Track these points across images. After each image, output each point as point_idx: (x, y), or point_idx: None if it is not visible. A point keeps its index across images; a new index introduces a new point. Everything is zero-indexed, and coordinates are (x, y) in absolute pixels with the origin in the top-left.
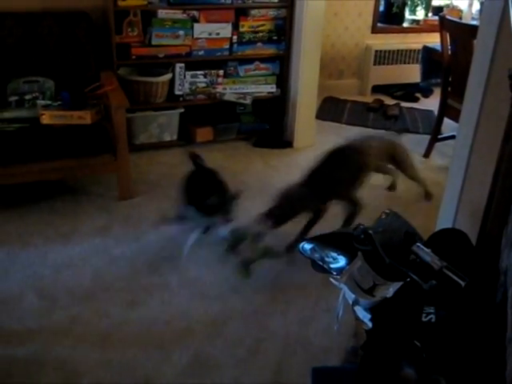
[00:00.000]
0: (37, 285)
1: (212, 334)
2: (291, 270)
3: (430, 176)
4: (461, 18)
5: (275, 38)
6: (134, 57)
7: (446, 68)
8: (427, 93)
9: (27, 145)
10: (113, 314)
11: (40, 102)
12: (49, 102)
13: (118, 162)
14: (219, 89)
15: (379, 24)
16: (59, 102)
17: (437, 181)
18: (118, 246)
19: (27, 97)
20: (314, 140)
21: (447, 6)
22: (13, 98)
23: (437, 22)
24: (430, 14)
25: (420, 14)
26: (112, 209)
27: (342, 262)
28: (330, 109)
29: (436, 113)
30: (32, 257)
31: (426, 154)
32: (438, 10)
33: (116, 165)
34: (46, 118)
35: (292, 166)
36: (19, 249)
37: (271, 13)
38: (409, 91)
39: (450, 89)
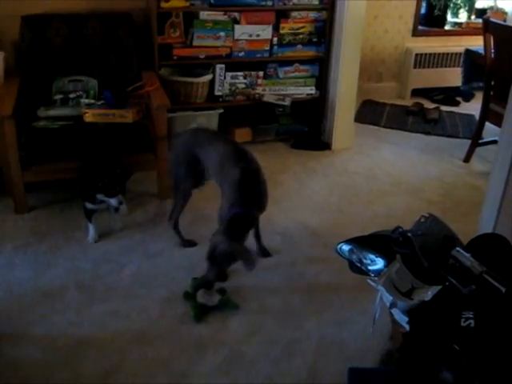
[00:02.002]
0: (78, 278)
1: (247, 332)
2: (328, 271)
3: (469, 181)
4: (505, 21)
5: (315, 40)
6: (175, 57)
7: (489, 71)
8: (468, 97)
9: (70, 142)
10: (150, 310)
11: (83, 101)
12: (92, 101)
13: (157, 160)
14: (259, 90)
15: (420, 27)
16: (102, 101)
17: (476, 185)
18: (157, 244)
19: (71, 95)
20: (352, 143)
21: (491, 8)
22: (58, 97)
23: (480, 25)
24: (472, 17)
25: (462, 16)
26: (150, 206)
27: (380, 264)
28: (369, 112)
29: (477, 117)
30: (73, 251)
31: (466, 159)
32: (481, 13)
33: (156, 163)
34: (89, 117)
35: (329, 168)
36: (61, 243)
37: (312, 15)
38: (449, 95)
39: (492, 93)
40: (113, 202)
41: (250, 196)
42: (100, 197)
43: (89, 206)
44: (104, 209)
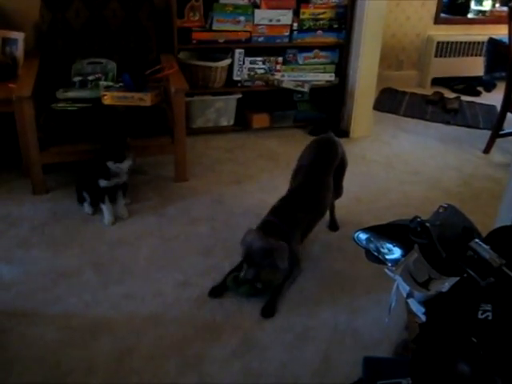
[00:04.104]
0: (94, 260)
1: (262, 318)
2: (343, 259)
3: (489, 172)
4: None
5: (336, 26)
6: (194, 41)
7: None
8: (490, 87)
9: (89, 124)
10: (165, 293)
11: (102, 83)
12: (111, 84)
13: (175, 144)
14: (277, 76)
15: (443, 14)
16: (121, 84)
17: (496, 177)
18: (172, 228)
19: (90, 77)
20: (370, 131)
21: None
22: (77, 79)
23: (505, 13)
24: (497, 5)
25: (487, 4)
26: (167, 190)
27: (397, 253)
28: (388, 100)
29: (498, 108)
30: (90, 233)
31: (486, 150)
32: (506, 0)
33: (173, 147)
34: (108, 99)
35: (347, 156)
36: (78, 224)
37: (333, 1)
38: (470, 85)
39: None
40: (124, 166)
41: (283, 212)
42: (111, 165)
43: (102, 183)
44: (113, 187)
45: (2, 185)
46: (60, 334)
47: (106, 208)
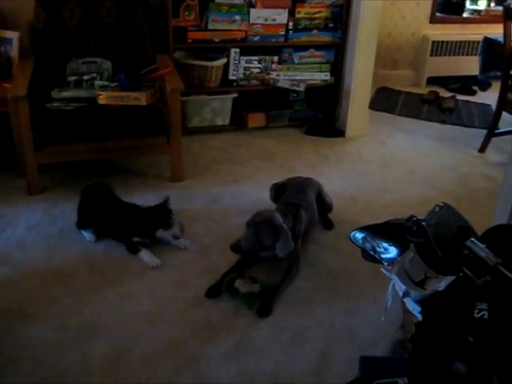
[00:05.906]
0: (89, 261)
1: (258, 318)
2: (339, 258)
3: (484, 171)
4: None
5: (331, 25)
6: (189, 40)
7: (508, 60)
8: (485, 86)
9: (84, 124)
10: (161, 294)
11: (97, 83)
12: (106, 83)
13: (170, 144)
14: (273, 75)
15: (438, 14)
16: (116, 83)
17: (492, 176)
18: None
19: (85, 77)
20: (366, 130)
21: None
22: (72, 78)
23: (500, 13)
24: (492, 4)
25: (482, 3)
26: (163, 190)
27: (393, 252)
28: (384, 99)
29: (493, 107)
30: (85, 233)
31: (482, 149)
32: (501, 0)
33: (169, 147)
34: (103, 99)
35: (343, 155)
36: (73, 225)
37: (328, 0)
38: (465, 84)
39: (510, 82)
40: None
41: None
42: (159, 233)
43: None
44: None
45: None
46: (56, 334)
47: (143, 254)
